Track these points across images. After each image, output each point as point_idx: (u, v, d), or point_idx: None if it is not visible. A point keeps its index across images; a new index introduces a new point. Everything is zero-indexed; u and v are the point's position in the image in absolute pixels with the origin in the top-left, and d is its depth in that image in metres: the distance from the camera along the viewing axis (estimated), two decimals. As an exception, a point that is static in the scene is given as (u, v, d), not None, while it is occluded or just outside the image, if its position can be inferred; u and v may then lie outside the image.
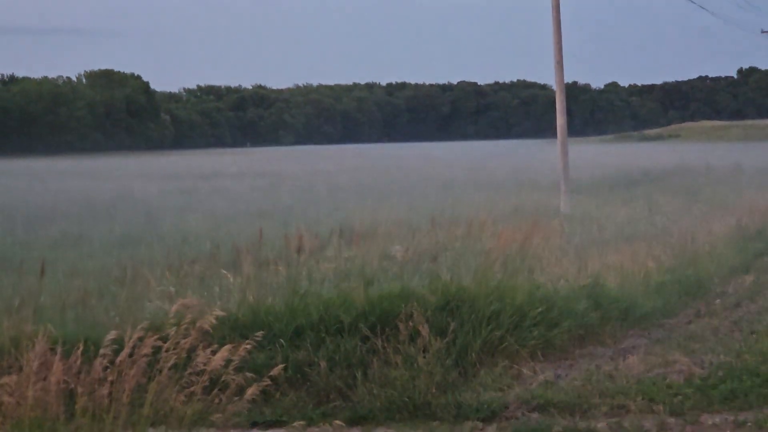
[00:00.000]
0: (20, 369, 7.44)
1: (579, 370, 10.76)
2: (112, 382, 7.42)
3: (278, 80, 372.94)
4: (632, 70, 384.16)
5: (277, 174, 52.86)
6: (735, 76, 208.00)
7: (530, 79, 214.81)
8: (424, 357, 10.11)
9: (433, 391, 9.75)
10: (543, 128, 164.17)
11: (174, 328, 7.99)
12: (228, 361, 7.95)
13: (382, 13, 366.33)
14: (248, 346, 8.35)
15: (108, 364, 7.53)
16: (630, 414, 9.33)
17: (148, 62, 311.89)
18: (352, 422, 9.47)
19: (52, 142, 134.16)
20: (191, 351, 7.97)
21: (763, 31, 68.86)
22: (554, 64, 28.78)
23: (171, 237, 20.95)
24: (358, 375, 9.99)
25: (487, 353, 10.91)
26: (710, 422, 9.12)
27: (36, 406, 7.04)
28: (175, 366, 7.79)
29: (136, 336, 7.65)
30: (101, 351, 7.56)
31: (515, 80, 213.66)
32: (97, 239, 21.28)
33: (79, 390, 7.33)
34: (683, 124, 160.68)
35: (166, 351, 7.79)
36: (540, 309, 11.56)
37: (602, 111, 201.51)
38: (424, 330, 10.39)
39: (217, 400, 8.06)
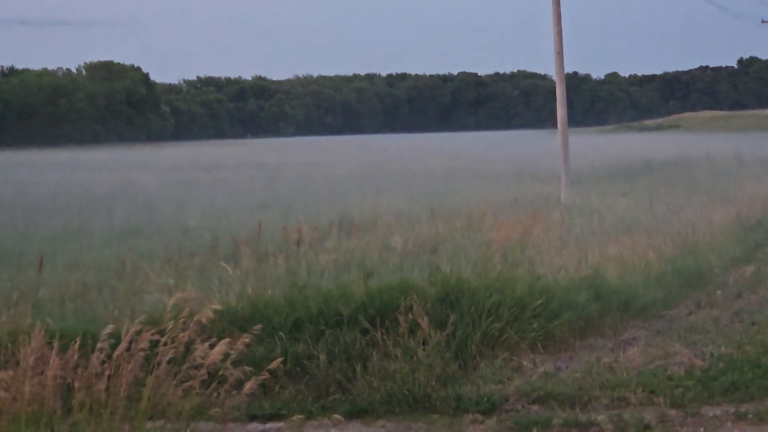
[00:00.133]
0: (17, 364, 7.39)
1: (579, 362, 10.72)
2: (109, 377, 7.38)
3: (278, 71, 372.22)
4: (632, 60, 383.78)
5: (277, 165, 52.80)
6: (735, 66, 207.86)
7: (530, 69, 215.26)
8: (424, 349, 10.07)
9: (433, 383, 9.72)
10: (543, 119, 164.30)
11: (171, 322, 7.94)
12: (226, 355, 7.90)
13: (382, 3, 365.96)
14: (246, 340, 8.30)
15: (105, 359, 7.49)
16: (630, 406, 9.29)
17: (148, 54, 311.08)
18: (351, 415, 9.43)
19: (52, 134, 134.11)
20: (189, 345, 7.92)
21: (763, 21, 68.59)
22: (554, 54, 28.74)
23: (171, 229, 20.94)
24: (358, 368, 9.95)
25: (487, 345, 10.87)
26: (711, 414, 9.07)
27: (32, 401, 7.00)
28: (173, 360, 7.75)
29: (133, 330, 7.60)
30: (98, 345, 7.52)
31: (515, 71, 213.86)
32: (97, 232, 21.25)
33: (77, 385, 7.29)
34: (683, 114, 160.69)
35: (164, 345, 7.74)
36: (540, 301, 11.51)
37: (602, 101, 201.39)
38: (424, 322, 10.36)
39: (215, 395, 8.02)
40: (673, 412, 9.13)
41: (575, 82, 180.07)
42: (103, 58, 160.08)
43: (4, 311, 10.44)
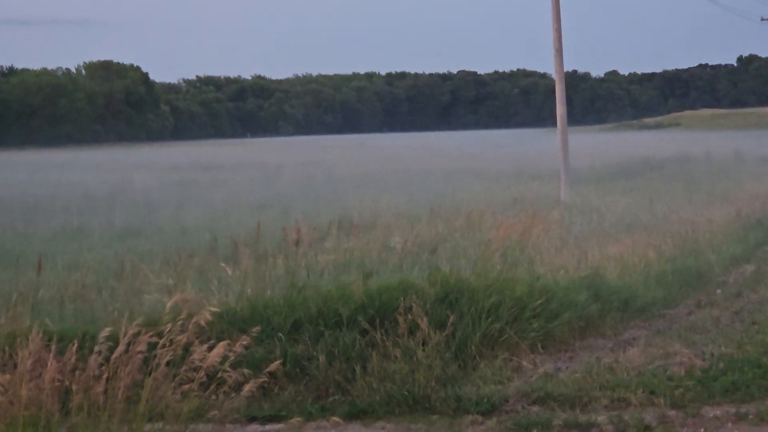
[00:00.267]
0: (14, 367, 7.36)
1: (579, 362, 10.70)
2: (107, 379, 7.36)
3: (278, 70, 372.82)
4: (632, 58, 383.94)
5: (276, 165, 52.76)
6: (735, 64, 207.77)
7: (530, 68, 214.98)
8: (424, 350, 10.05)
9: (433, 384, 9.69)
10: (543, 117, 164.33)
11: (170, 324, 7.91)
12: (224, 357, 7.87)
13: (381, 2, 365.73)
14: (245, 342, 8.27)
15: (103, 361, 7.46)
16: (631, 407, 9.26)
17: (148, 53, 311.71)
18: (351, 416, 9.40)
19: (52, 133, 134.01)
20: (188, 347, 7.90)
21: (763, 19, 68.48)
22: (554, 52, 28.69)
23: (170, 229, 20.93)
24: (357, 369, 9.92)
25: (487, 346, 10.84)
26: (711, 415, 9.04)
27: (30, 404, 6.96)
28: (171, 362, 7.72)
29: (131, 332, 7.58)
30: (96, 348, 7.49)
31: (515, 69, 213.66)
32: (97, 232, 21.25)
33: (74, 387, 7.26)
34: (683, 113, 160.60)
35: (162, 347, 7.72)
36: (540, 301, 11.48)
37: (602, 99, 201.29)
38: (423, 323, 10.33)
39: (214, 397, 8.00)
40: (673, 413, 9.10)
41: (575, 80, 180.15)
42: (102, 58, 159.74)
43: (3, 313, 10.41)
